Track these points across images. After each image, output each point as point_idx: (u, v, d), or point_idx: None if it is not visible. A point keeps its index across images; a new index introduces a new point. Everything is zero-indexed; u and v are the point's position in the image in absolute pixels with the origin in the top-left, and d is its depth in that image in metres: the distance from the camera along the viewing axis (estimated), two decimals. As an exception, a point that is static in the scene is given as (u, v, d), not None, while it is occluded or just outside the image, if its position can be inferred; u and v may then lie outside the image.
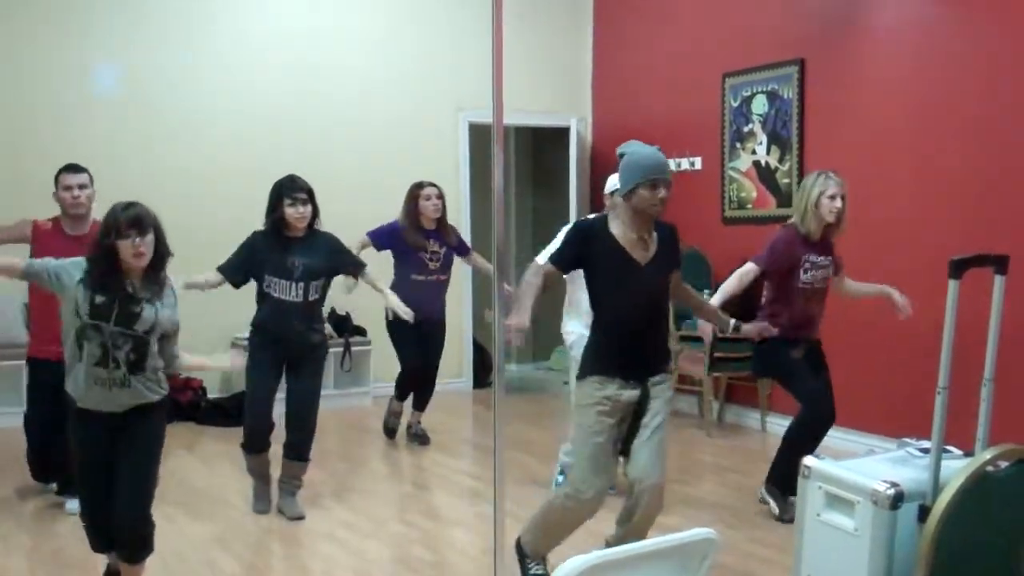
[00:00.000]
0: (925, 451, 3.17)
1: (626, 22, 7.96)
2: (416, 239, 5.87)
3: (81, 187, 4.50)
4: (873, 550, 2.96)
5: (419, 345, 5.95)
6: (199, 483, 5.24)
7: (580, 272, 3.52)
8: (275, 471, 4.73)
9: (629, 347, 3.40)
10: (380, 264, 5.90)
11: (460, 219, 7.64)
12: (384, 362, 6.90)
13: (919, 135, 5.62)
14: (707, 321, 4.03)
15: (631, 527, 3.44)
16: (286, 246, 4.50)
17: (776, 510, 4.54)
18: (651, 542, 2.47)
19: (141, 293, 3.17)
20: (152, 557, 3.37)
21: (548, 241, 4.40)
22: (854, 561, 3.00)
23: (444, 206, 5.97)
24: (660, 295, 3.47)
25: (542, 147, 9.46)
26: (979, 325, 3.20)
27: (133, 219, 3.11)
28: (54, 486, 4.84)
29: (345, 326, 7.22)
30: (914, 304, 4.77)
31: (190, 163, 6.95)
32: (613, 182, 4.45)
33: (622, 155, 3.45)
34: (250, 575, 3.95)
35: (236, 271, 4.52)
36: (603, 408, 3.36)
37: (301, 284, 4.49)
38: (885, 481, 2.97)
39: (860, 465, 3.23)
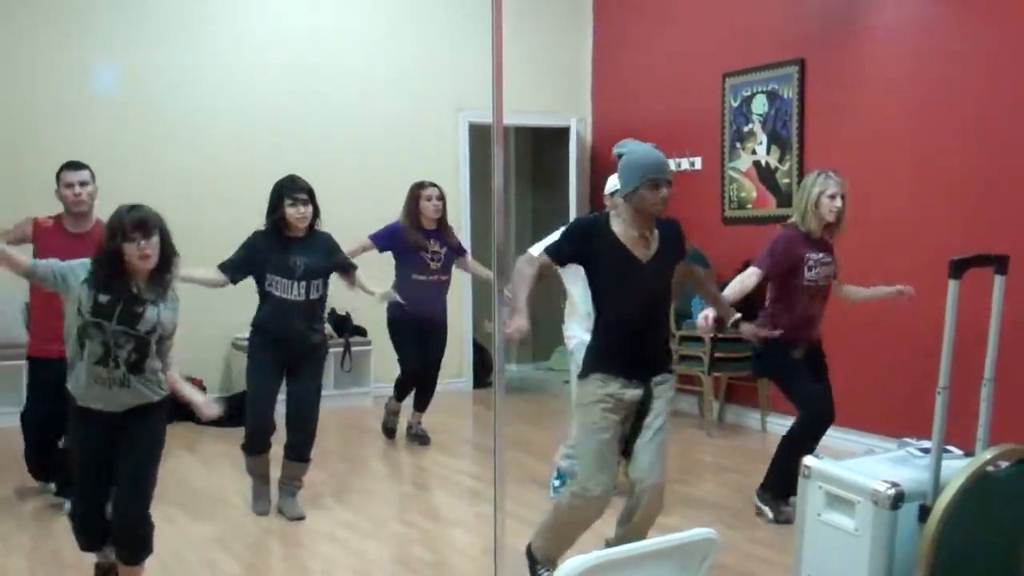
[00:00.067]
0: (925, 451, 3.17)
1: (626, 22, 7.96)
2: (417, 239, 5.86)
3: (83, 184, 4.50)
4: (873, 550, 2.96)
5: (420, 346, 5.95)
6: (199, 483, 5.24)
7: (578, 273, 3.52)
8: (275, 471, 4.73)
9: (630, 345, 3.39)
10: (382, 265, 5.91)
11: (460, 219, 7.64)
12: (384, 362, 6.90)
13: (919, 135, 5.62)
14: (713, 308, 4.00)
15: (631, 527, 3.43)
16: (287, 246, 4.50)
17: (771, 514, 4.53)
18: (651, 542, 2.47)
19: (146, 294, 3.18)
20: (152, 557, 3.37)
21: (548, 241, 4.39)
22: (854, 561, 3.00)
23: (445, 207, 5.98)
24: (661, 294, 3.46)
25: (542, 147, 9.46)
26: (979, 325, 3.20)
27: (138, 222, 3.12)
28: (53, 486, 4.84)
29: (345, 326, 7.22)
30: (914, 304, 4.77)
31: (190, 163, 6.95)
32: (613, 183, 4.44)
33: (620, 155, 3.44)
34: (250, 575, 3.95)
35: (237, 269, 4.52)
36: (607, 405, 3.35)
37: (303, 283, 4.49)
38: (885, 481, 2.97)
39: (860, 465, 3.23)
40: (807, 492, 3.23)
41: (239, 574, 3.94)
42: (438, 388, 6.29)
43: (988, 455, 2.91)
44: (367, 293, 4.83)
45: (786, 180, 6.48)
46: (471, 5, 7.65)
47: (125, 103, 6.83)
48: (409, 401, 6.23)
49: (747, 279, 4.45)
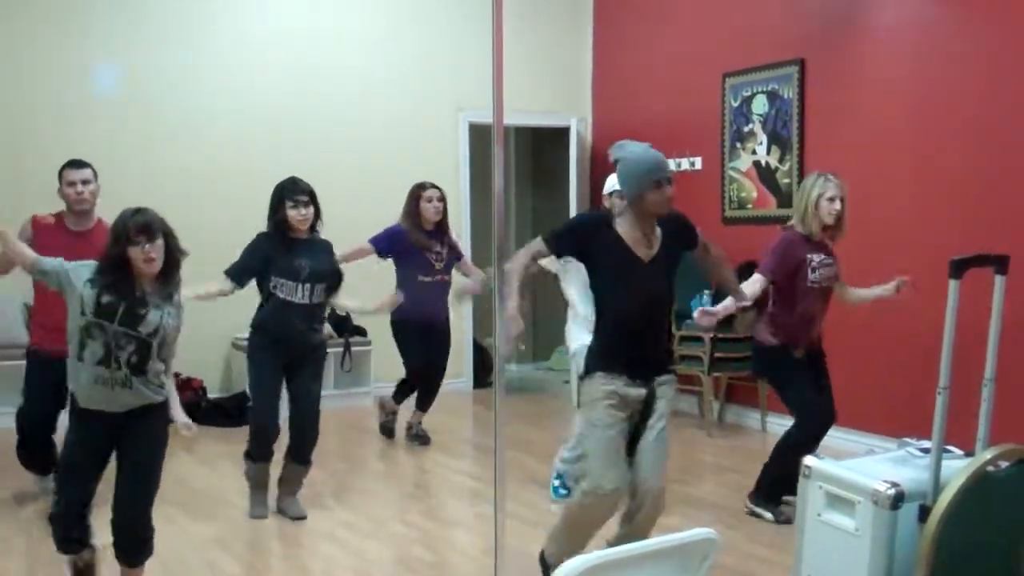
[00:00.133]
0: (925, 451, 3.17)
1: (626, 22, 7.96)
2: (420, 239, 5.85)
3: (84, 182, 4.51)
4: (874, 550, 2.96)
5: (424, 347, 5.94)
6: (199, 484, 5.24)
7: (577, 275, 3.51)
8: (275, 471, 4.72)
9: (631, 345, 3.39)
10: (382, 264, 5.91)
11: (460, 219, 7.63)
12: (384, 362, 6.90)
13: (919, 135, 5.63)
14: (725, 286, 4.00)
15: (633, 528, 3.42)
16: (290, 247, 4.50)
17: (770, 516, 4.53)
18: (651, 542, 2.47)
19: (150, 297, 3.18)
20: (152, 558, 3.37)
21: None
22: (854, 561, 3.00)
23: (445, 208, 5.97)
24: (662, 293, 3.45)
25: (542, 147, 9.46)
26: (979, 325, 3.20)
27: (142, 225, 3.12)
28: (52, 487, 4.82)
29: (345, 326, 7.22)
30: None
31: (190, 163, 6.95)
32: (612, 182, 4.44)
33: (616, 160, 3.44)
34: (250, 575, 3.95)
35: (244, 274, 4.50)
36: (612, 402, 3.33)
37: (308, 285, 4.49)
38: (886, 481, 2.97)
39: (860, 465, 3.23)
40: (807, 492, 3.24)
41: (239, 574, 3.94)
42: (438, 388, 6.29)
43: (988, 455, 2.91)
44: (342, 306, 4.85)
45: (786, 180, 6.48)
46: (471, 5, 7.66)
47: (125, 103, 6.83)
48: (409, 401, 6.22)
49: (752, 286, 4.43)
